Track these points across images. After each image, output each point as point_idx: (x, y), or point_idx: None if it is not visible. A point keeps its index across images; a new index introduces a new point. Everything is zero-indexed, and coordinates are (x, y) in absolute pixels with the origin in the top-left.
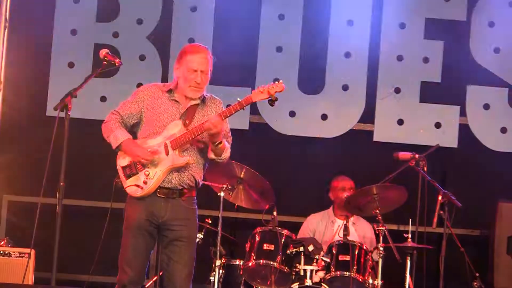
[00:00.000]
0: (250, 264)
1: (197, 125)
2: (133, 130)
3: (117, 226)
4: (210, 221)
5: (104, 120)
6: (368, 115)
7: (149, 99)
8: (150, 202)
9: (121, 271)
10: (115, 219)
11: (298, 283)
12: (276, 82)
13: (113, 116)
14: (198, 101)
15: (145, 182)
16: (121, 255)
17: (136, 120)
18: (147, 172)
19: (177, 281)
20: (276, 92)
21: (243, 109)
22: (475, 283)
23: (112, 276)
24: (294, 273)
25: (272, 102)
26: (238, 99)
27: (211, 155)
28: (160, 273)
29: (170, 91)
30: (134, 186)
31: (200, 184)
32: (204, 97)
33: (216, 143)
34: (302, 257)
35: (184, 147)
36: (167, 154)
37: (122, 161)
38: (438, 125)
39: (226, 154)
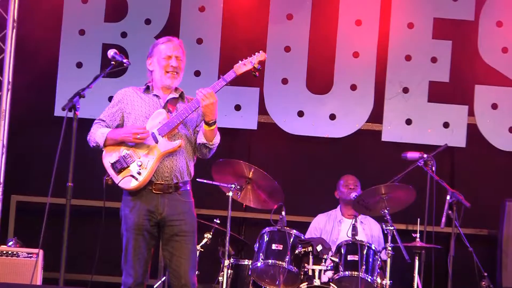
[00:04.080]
0: (258, 264)
1: (184, 107)
2: None
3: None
4: (218, 221)
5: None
6: (376, 115)
7: (127, 99)
8: (146, 200)
9: (125, 274)
10: (117, 219)
11: (306, 283)
12: (258, 52)
13: (96, 124)
14: (176, 95)
15: (139, 173)
16: (123, 258)
17: (118, 121)
18: (139, 163)
19: (182, 276)
20: (259, 61)
21: (227, 84)
22: (484, 283)
23: (117, 276)
24: (302, 273)
25: (255, 73)
26: (221, 75)
27: (202, 139)
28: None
29: (147, 88)
30: (129, 176)
31: (193, 174)
32: (182, 92)
33: (210, 123)
34: (311, 257)
35: (172, 133)
36: (156, 142)
37: (110, 158)
38: (446, 125)
39: (217, 140)
